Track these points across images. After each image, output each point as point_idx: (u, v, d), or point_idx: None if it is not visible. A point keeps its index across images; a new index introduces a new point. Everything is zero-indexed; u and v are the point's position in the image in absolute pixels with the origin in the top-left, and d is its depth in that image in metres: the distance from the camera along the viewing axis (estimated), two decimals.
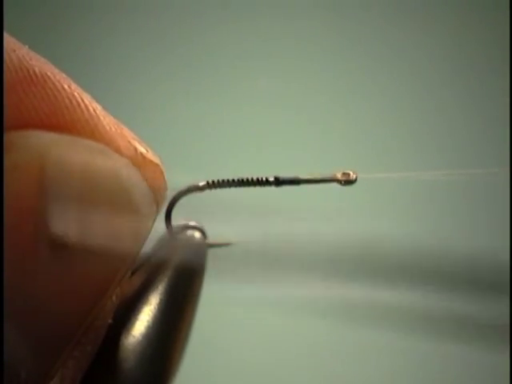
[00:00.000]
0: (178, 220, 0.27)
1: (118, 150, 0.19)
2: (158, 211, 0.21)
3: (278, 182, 0.27)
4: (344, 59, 0.93)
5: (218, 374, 0.79)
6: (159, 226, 0.27)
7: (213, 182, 0.27)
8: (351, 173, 0.26)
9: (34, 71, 0.18)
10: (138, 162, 0.20)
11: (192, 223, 0.27)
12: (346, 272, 0.27)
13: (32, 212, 0.17)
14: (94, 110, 0.19)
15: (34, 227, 0.17)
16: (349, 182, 0.26)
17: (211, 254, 0.27)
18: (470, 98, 0.90)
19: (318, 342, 0.82)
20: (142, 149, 0.20)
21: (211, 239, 0.28)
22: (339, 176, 0.26)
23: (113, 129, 0.20)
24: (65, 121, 0.18)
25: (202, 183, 0.27)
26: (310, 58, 0.93)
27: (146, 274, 0.25)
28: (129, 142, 0.20)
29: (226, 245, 0.29)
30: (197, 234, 0.27)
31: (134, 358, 0.23)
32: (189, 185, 0.26)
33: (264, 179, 0.27)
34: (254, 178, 0.27)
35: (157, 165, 0.21)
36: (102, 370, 0.23)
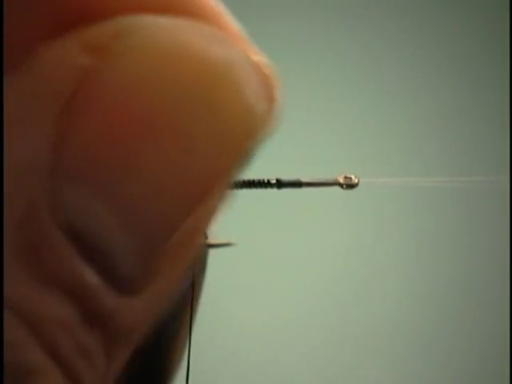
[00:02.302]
0: None
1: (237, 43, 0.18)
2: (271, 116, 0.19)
3: (280, 184, 0.27)
4: (348, 63, 0.93)
5: (219, 374, 0.79)
6: None
7: None
8: (353, 177, 0.26)
9: None
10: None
11: None
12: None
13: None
14: None
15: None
16: (351, 185, 0.26)
17: (211, 253, 0.27)
18: (472, 106, 0.91)
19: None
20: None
21: (211, 239, 0.28)
22: (341, 180, 0.26)
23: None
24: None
25: None
26: (313, 61, 0.93)
27: None
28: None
29: (226, 245, 0.29)
30: None
31: (134, 357, 0.23)
32: None
33: (266, 181, 0.27)
34: (256, 180, 0.27)
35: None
36: None
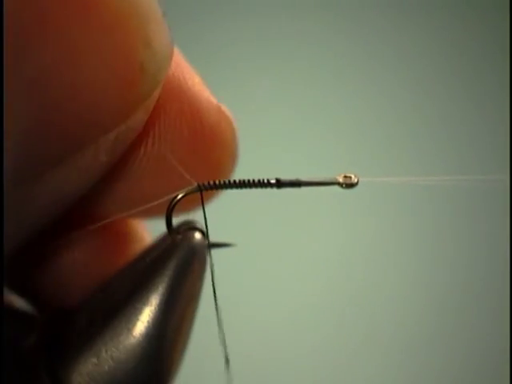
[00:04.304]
0: (178, 221, 0.27)
1: None
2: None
3: (280, 183, 0.27)
4: (348, 63, 0.93)
5: (218, 374, 0.79)
6: (160, 227, 0.27)
7: (214, 183, 0.27)
8: (353, 176, 0.26)
9: None
10: None
11: (192, 224, 0.27)
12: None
13: None
14: None
15: None
16: (350, 185, 0.26)
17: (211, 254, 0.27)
18: (471, 104, 0.91)
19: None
20: None
21: (211, 239, 0.28)
22: (340, 179, 0.26)
23: None
24: None
25: (204, 184, 0.27)
26: (313, 61, 0.93)
27: (147, 274, 0.25)
28: None
29: (226, 245, 0.29)
30: (197, 235, 0.27)
31: (134, 358, 0.23)
32: (190, 186, 0.26)
33: (266, 181, 0.27)
34: (256, 180, 0.27)
35: None
36: (103, 370, 0.23)
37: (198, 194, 0.26)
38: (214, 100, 0.26)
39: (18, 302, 0.26)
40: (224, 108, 0.26)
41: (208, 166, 0.26)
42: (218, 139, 0.26)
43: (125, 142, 0.22)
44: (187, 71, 0.25)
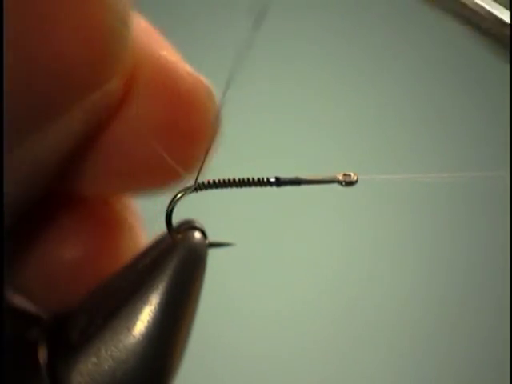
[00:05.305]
0: (178, 220, 0.27)
1: None
2: None
3: (279, 182, 0.27)
4: (348, 63, 0.93)
5: (218, 374, 0.79)
6: (159, 227, 0.27)
7: (213, 181, 0.27)
8: (352, 174, 0.26)
9: None
10: None
11: (192, 223, 0.27)
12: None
13: None
14: None
15: None
16: (350, 183, 0.26)
17: (211, 254, 0.27)
18: (470, 100, 0.91)
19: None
20: None
21: (211, 239, 0.28)
22: (340, 177, 0.26)
23: None
24: None
25: (202, 183, 0.27)
26: (313, 61, 0.93)
27: (147, 273, 0.25)
28: None
29: (226, 245, 0.29)
30: (197, 234, 0.27)
31: (134, 357, 0.23)
32: (189, 184, 0.26)
33: (265, 179, 0.27)
34: (255, 178, 0.27)
35: None
36: (103, 369, 0.23)
37: None
38: (189, 67, 0.26)
39: (17, 299, 0.26)
40: (201, 76, 0.26)
41: (187, 132, 0.26)
42: (195, 104, 0.26)
43: (101, 110, 0.23)
44: (160, 40, 0.25)
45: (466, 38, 0.91)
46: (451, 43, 0.92)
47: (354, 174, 0.26)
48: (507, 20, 0.84)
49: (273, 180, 0.27)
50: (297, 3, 0.95)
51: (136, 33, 0.22)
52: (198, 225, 0.27)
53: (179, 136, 0.25)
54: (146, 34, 0.25)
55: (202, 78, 0.26)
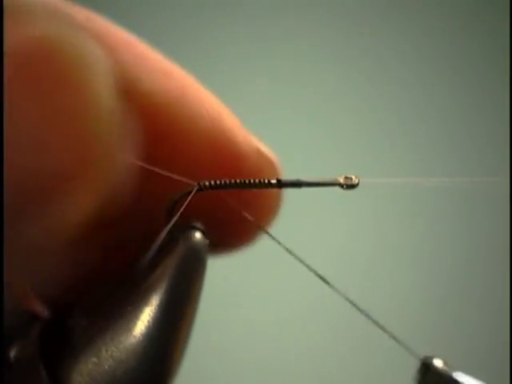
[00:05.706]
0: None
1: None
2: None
3: (280, 184, 0.27)
4: (348, 63, 0.93)
5: (219, 374, 0.79)
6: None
7: (215, 183, 0.27)
8: (353, 177, 0.26)
9: None
10: None
11: (192, 223, 0.27)
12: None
13: None
14: None
15: None
16: (351, 186, 0.26)
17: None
18: (471, 105, 0.91)
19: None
20: None
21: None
22: (341, 180, 0.26)
23: None
24: None
25: (204, 184, 0.27)
26: (313, 61, 0.93)
27: (147, 273, 0.25)
28: None
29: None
30: (197, 234, 0.27)
31: (135, 357, 0.23)
32: (191, 185, 0.27)
33: (266, 181, 0.27)
34: (257, 180, 0.27)
35: None
36: (103, 369, 0.23)
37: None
38: (252, 140, 0.23)
39: (17, 299, 0.26)
40: (264, 148, 0.23)
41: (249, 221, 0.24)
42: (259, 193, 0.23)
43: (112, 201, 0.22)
44: (223, 109, 0.22)
45: (466, 38, 0.91)
46: (452, 43, 0.92)
47: (356, 177, 0.26)
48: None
49: (274, 182, 0.27)
50: (297, 3, 0.95)
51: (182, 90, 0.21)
52: (198, 225, 0.27)
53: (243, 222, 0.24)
54: (209, 103, 0.22)
55: (268, 152, 0.24)
